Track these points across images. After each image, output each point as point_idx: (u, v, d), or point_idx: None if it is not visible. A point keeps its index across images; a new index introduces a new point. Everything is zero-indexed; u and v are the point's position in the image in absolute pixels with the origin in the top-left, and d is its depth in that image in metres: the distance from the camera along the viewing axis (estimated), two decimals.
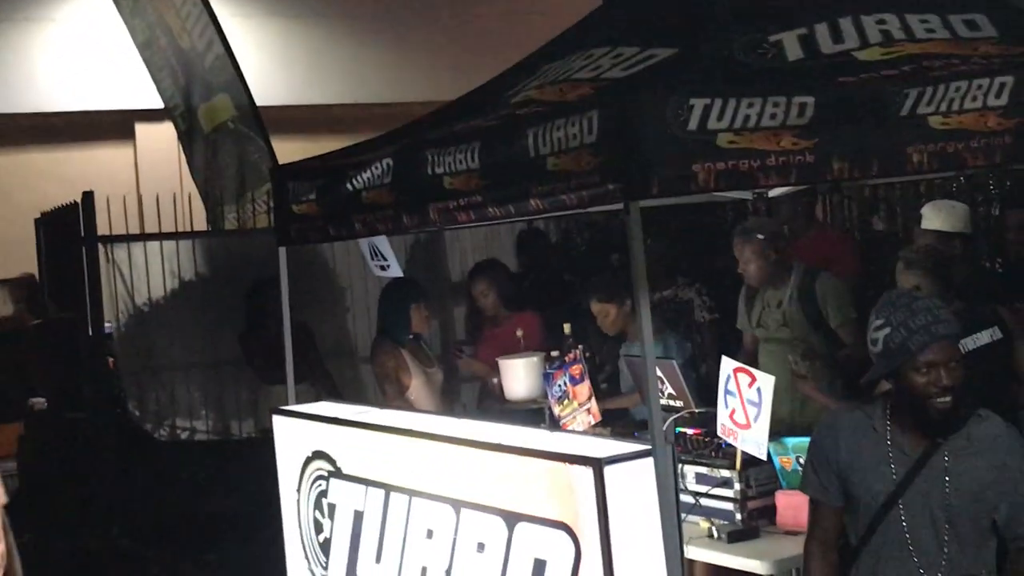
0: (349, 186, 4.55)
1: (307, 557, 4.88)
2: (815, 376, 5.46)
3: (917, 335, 3.30)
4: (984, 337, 4.86)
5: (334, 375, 8.59)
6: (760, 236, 5.73)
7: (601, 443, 3.75)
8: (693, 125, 3.29)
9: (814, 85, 3.46)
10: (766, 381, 4.35)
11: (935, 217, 5.73)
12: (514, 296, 7.22)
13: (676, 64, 3.71)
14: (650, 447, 3.47)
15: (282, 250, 5.16)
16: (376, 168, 4.40)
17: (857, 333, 5.69)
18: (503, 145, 3.78)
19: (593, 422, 5.32)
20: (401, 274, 6.87)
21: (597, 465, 3.42)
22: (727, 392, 4.52)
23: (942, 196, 7.40)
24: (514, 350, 6.41)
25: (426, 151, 4.09)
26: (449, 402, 6.60)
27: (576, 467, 3.49)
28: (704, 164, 3.32)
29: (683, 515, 4.56)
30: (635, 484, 3.46)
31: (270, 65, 13.56)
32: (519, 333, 6.36)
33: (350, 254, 8.49)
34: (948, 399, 3.29)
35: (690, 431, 5.08)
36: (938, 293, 4.89)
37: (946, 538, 3.32)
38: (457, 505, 3.98)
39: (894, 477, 3.33)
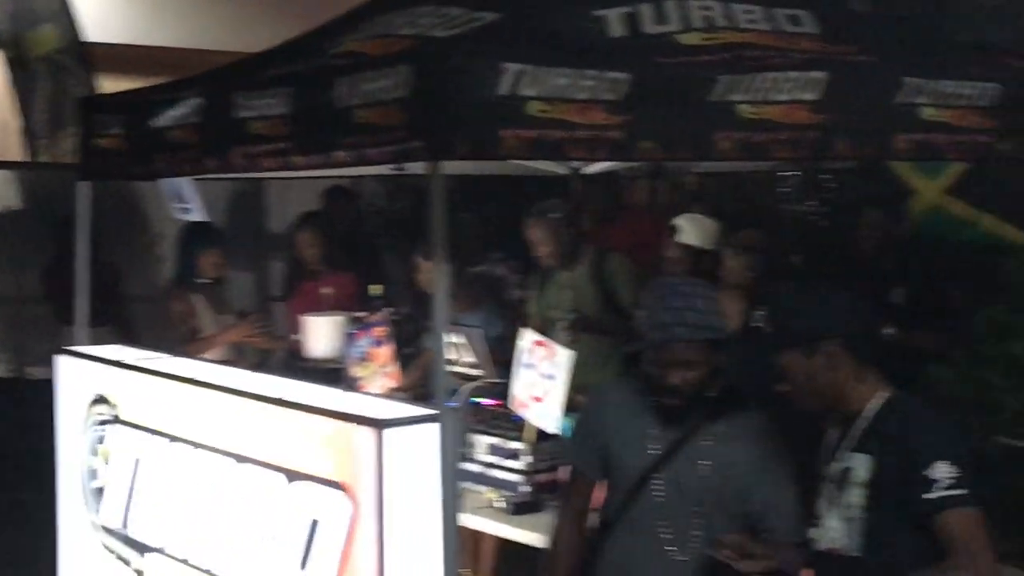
0: (155, 123, 4.40)
1: (86, 503, 4.74)
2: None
3: (657, 331, 3.27)
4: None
5: (146, 320, 8.38)
6: (553, 216, 5.75)
7: (387, 406, 3.69)
8: (504, 90, 3.24)
9: (631, 63, 3.44)
10: (564, 355, 4.35)
11: (691, 230, 5.77)
12: (335, 254, 7.13)
13: (497, 29, 3.66)
14: (436, 412, 3.42)
15: (83, 185, 4.97)
16: (184, 107, 4.26)
17: None
18: (313, 93, 3.68)
19: (393, 385, 5.26)
20: (203, 219, 6.72)
21: (378, 427, 3.36)
22: (525, 364, 4.50)
23: (767, 190, 7.58)
24: (326, 308, 6.34)
25: (235, 93, 3.97)
26: (254, 353, 6.49)
27: (357, 428, 3.43)
28: (513, 130, 3.27)
29: (471, 484, 4.58)
30: (417, 449, 3.41)
31: (110, 1, 13.12)
32: (325, 291, 6.29)
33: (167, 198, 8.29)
34: (674, 401, 3.29)
35: (489, 401, 5.06)
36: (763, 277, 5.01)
37: (696, 520, 3.34)
38: (238, 459, 3.89)
39: (651, 453, 3.34)
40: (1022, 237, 6.54)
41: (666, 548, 3.33)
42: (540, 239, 5.80)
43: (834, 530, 3.13)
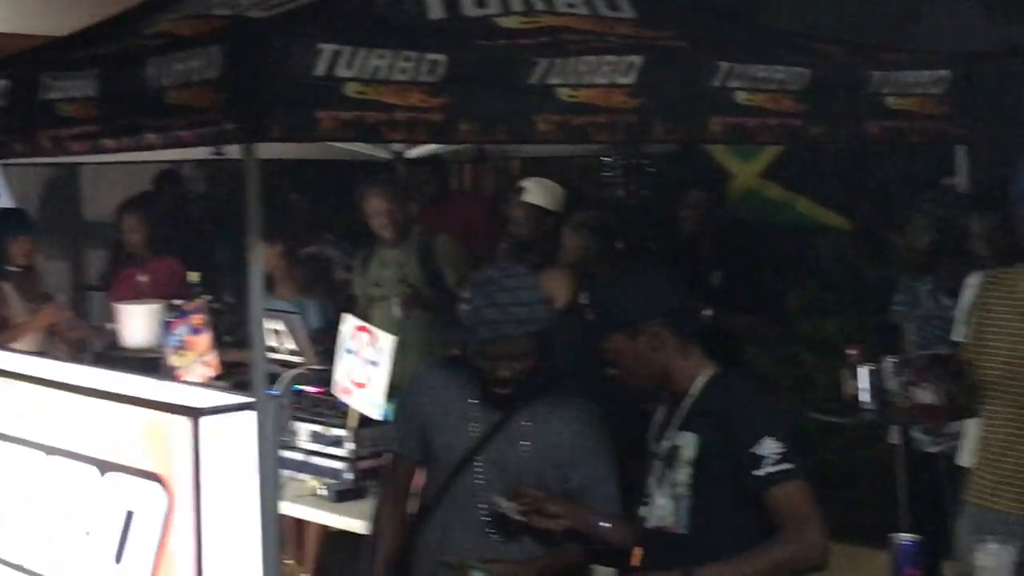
0: None
1: None
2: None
3: (484, 328, 3.27)
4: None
5: None
6: (389, 187, 5.75)
7: (203, 394, 3.63)
8: (320, 71, 3.19)
9: (449, 45, 3.43)
10: (386, 341, 4.32)
11: (537, 192, 5.86)
12: (161, 239, 6.96)
13: (314, 9, 3.61)
14: (253, 400, 3.36)
15: None
16: None
17: None
18: (123, 74, 3.57)
19: (212, 374, 5.16)
20: (11, 204, 6.52)
21: (194, 416, 3.30)
22: (347, 350, 4.46)
23: (590, 175, 7.68)
24: (146, 295, 6.19)
25: (42, 75, 3.83)
26: (72, 342, 6.30)
27: (172, 417, 3.36)
28: (329, 112, 3.22)
29: (293, 472, 4.53)
30: (235, 437, 3.35)
31: None
32: (141, 279, 6.15)
33: None
34: (507, 390, 3.31)
35: (312, 389, 4.99)
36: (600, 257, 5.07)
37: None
38: (48, 451, 3.78)
39: (472, 434, 3.35)
40: (833, 219, 6.75)
41: (486, 530, 3.33)
42: (376, 210, 5.77)
43: (662, 508, 3.15)
